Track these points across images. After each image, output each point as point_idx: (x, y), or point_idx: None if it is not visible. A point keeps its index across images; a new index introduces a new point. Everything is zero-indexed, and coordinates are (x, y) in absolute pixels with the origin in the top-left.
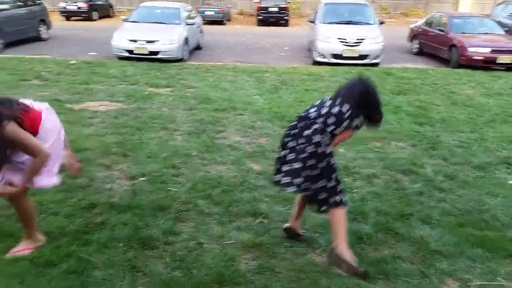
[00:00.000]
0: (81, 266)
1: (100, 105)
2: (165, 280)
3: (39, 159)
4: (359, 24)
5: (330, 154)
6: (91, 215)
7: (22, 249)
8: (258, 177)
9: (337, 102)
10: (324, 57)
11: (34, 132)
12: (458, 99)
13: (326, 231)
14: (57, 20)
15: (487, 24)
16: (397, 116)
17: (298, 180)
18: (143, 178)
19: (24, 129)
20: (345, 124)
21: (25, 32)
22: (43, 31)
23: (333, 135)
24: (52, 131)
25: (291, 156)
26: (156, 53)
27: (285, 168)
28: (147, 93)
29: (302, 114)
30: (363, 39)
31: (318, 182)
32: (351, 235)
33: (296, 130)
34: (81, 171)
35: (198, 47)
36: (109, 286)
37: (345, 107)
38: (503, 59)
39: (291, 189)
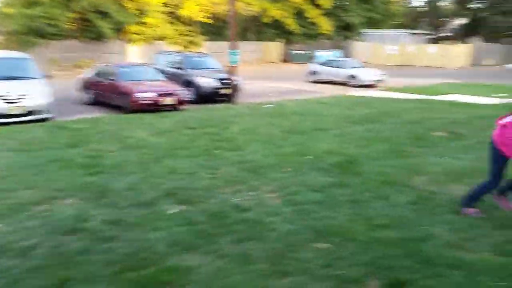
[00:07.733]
0: None
1: None
2: None
3: None
4: (21, 79)
5: None
6: None
7: None
8: None
9: None
10: None
11: None
12: (131, 143)
13: None
14: None
15: (150, 71)
16: (70, 171)
17: None
18: None
19: None
20: None
21: None
22: None
23: None
24: None
25: None
26: None
27: None
28: None
29: None
30: (26, 94)
31: None
32: None
33: None
34: None
35: None
36: None
37: None
38: (167, 101)
39: None
